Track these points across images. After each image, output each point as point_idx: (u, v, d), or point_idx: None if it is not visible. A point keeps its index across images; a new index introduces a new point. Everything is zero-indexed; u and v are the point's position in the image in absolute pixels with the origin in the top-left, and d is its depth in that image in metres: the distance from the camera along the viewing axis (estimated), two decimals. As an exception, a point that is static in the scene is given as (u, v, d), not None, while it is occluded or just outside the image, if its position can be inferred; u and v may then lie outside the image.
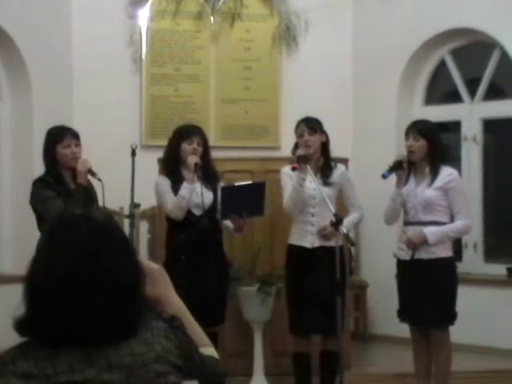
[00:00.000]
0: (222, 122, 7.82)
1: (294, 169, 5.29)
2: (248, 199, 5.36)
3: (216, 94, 7.83)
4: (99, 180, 5.05)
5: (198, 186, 5.30)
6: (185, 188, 5.27)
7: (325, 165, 5.49)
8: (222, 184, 5.48)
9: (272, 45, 7.87)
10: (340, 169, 5.56)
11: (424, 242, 5.20)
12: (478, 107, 7.50)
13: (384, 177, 5.26)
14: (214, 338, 4.61)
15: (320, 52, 7.84)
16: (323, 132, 5.49)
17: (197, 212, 5.33)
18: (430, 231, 5.19)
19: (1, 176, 7.14)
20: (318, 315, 5.29)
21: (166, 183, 5.38)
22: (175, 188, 5.32)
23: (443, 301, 5.23)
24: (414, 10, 7.54)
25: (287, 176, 5.45)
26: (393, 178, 5.33)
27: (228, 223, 5.43)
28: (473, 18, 7.22)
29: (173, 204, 5.30)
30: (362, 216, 5.65)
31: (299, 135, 5.45)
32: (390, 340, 7.22)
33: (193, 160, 5.26)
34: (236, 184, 5.51)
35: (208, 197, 5.35)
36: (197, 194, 5.29)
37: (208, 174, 5.41)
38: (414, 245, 5.22)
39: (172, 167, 5.40)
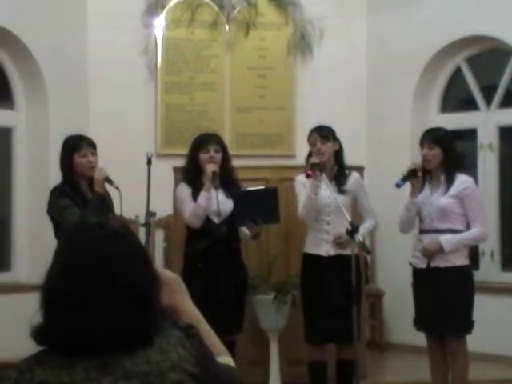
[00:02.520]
0: (236, 131, 7.82)
1: (308, 176, 5.27)
2: (261, 205, 5.35)
3: (231, 102, 7.84)
4: (117, 188, 5.04)
5: (216, 194, 5.30)
6: (202, 196, 5.27)
7: (339, 173, 5.48)
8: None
9: (287, 53, 7.88)
10: (354, 176, 5.55)
11: (440, 250, 5.18)
12: (494, 115, 7.47)
13: (397, 186, 5.24)
14: (232, 347, 4.60)
15: (335, 60, 7.84)
16: (336, 140, 5.49)
17: (216, 220, 5.33)
18: (445, 239, 5.17)
19: (17, 185, 7.16)
20: (333, 324, 5.27)
21: (186, 191, 5.39)
22: (196, 196, 5.32)
23: (460, 309, 5.20)
24: (429, 17, 7.53)
25: (301, 184, 5.44)
26: (408, 186, 5.31)
27: (245, 230, 5.43)
28: (488, 25, 7.20)
29: (190, 212, 5.30)
30: (376, 223, 5.65)
31: (312, 144, 5.45)
32: (406, 349, 7.19)
33: (211, 168, 5.26)
34: (248, 189, 5.51)
35: (228, 205, 5.35)
36: (216, 202, 5.29)
37: (228, 182, 5.41)
38: (429, 253, 5.20)
39: (192, 177, 5.41)
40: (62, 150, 5.22)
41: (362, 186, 5.62)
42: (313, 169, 5.25)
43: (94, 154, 5.16)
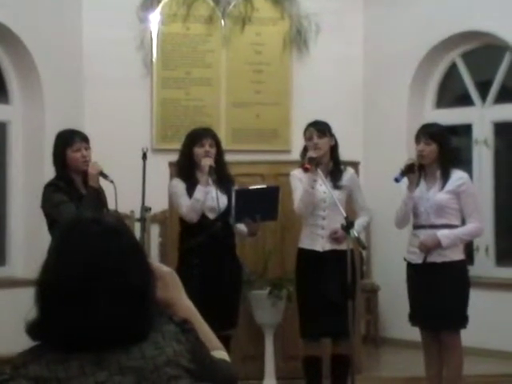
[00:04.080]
0: (232, 126, 7.82)
1: (306, 169, 5.28)
2: (262, 203, 5.36)
3: (227, 97, 7.84)
4: (111, 182, 5.05)
5: (213, 190, 5.30)
6: (199, 191, 5.26)
7: (334, 168, 5.49)
8: (235, 187, 5.47)
9: (283, 48, 7.88)
10: (349, 172, 5.56)
11: (437, 245, 5.19)
12: (489, 110, 7.48)
13: (396, 180, 5.25)
14: (227, 342, 4.61)
15: (331, 55, 7.84)
16: (332, 135, 5.49)
17: (211, 215, 5.33)
18: (443, 234, 5.18)
19: (12, 180, 7.16)
20: (328, 319, 5.28)
21: (181, 186, 5.38)
22: (190, 191, 5.32)
23: (455, 304, 5.21)
24: (425, 13, 7.53)
25: (297, 179, 5.45)
26: (404, 181, 5.32)
27: (242, 227, 5.43)
28: (484, 20, 7.20)
29: (187, 207, 5.29)
30: (370, 219, 5.67)
31: (308, 138, 5.45)
32: (401, 344, 7.21)
33: (207, 162, 5.26)
34: (250, 187, 5.50)
35: (222, 201, 5.34)
36: (212, 198, 5.28)
37: (222, 177, 5.40)
38: (427, 248, 5.21)
39: (186, 172, 5.40)
40: (54, 144, 5.20)
41: (356, 181, 5.63)
42: (310, 163, 5.26)
43: (88, 148, 5.15)
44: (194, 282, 4.65)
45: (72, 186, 5.09)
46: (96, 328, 1.74)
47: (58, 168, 5.15)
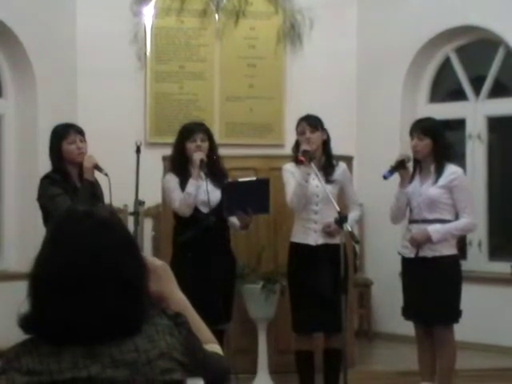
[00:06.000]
0: (226, 120, 7.82)
1: (300, 162, 5.28)
2: (252, 196, 5.34)
3: (220, 91, 7.83)
4: (106, 175, 5.05)
5: (204, 184, 5.29)
6: (191, 185, 5.26)
7: (327, 162, 5.49)
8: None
9: (276, 42, 7.87)
10: (341, 167, 5.56)
11: (427, 240, 5.19)
12: (483, 105, 7.49)
13: (385, 177, 5.25)
14: (220, 337, 4.61)
15: (324, 50, 7.84)
16: (324, 130, 5.49)
17: (204, 209, 5.32)
18: (433, 229, 5.19)
19: (5, 173, 7.15)
20: (320, 313, 5.28)
21: (174, 180, 5.37)
22: (183, 186, 5.31)
23: (447, 299, 5.22)
24: (419, 7, 7.54)
25: (289, 172, 5.44)
26: (398, 176, 5.32)
27: (234, 220, 5.42)
28: (478, 15, 7.21)
29: (180, 201, 5.29)
30: (361, 213, 5.68)
31: (300, 133, 5.45)
32: (394, 338, 7.22)
33: (198, 156, 5.25)
34: (239, 180, 5.50)
35: (215, 194, 5.33)
36: (204, 192, 5.28)
37: (215, 171, 5.39)
38: (417, 242, 5.22)
39: (179, 166, 5.39)
40: (50, 138, 5.22)
41: (348, 176, 5.63)
42: (304, 155, 5.26)
43: (83, 140, 5.16)
44: (187, 275, 4.64)
45: (68, 178, 5.10)
46: (89, 321, 1.74)
47: (54, 161, 5.15)
